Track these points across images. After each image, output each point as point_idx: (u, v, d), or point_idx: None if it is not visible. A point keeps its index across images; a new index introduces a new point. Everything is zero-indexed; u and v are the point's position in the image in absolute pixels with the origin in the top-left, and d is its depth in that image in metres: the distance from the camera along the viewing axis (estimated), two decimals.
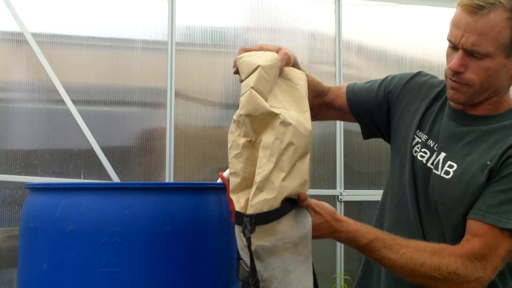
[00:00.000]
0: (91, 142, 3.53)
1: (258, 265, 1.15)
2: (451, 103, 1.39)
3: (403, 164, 1.43)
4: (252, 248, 1.13)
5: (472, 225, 1.24)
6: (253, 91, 1.16)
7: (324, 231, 1.23)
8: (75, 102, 3.53)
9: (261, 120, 1.16)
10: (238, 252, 1.40)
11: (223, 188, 1.44)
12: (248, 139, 1.17)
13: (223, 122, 3.84)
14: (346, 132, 3.98)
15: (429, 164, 1.36)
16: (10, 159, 3.47)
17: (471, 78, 1.27)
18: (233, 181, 1.16)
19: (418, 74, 1.52)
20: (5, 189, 3.43)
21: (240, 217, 1.13)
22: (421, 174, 1.37)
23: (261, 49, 1.27)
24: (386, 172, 3.07)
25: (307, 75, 1.32)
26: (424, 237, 1.34)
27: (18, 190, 3.43)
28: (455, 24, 1.27)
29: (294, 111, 1.20)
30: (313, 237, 1.19)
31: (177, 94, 3.74)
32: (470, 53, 1.25)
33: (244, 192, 1.16)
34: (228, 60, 3.89)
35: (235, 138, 1.18)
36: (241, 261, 1.42)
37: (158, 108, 3.74)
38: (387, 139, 1.55)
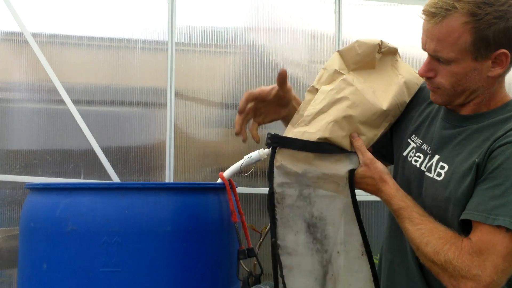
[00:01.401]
0: (91, 142, 3.53)
1: (278, 180, 1.30)
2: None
3: (396, 172, 1.47)
4: (276, 164, 1.30)
5: (467, 224, 1.23)
6: (337, 53, 1.40)
7: (368, 186, 1.34)
8: (75, 102, 3.53)
9: (331, 76, 1.38)
10: (238, 252, 1.40)
11: (223, 188, 1.44)
12: (313, 85, 1.39)
13: (223, 122, 3.84)
14: None
15: (423, 168, 1.36)
16: (10, 159, 3.47)
17: (441, 82, 1.29)
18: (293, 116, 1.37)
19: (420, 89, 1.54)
20: (5, 189, 3.43)
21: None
22: (415, 179, 1.37)
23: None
24: None
25: None
26: None
27: (18, 190, 3.43)
28: (422, 29, 1.29)
29: (373, 88, 1.37)
30: (357, 187, 1.32)
31: (177, 94, 3.74)
32: (436, 59, 1.27)
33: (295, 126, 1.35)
34: (228, 60, 3.89)
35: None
36: (241, 261, 1.42)
37: (158, 108, 3.74)
38: None
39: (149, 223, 1.26)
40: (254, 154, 1.47)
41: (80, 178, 3.55)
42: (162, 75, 3.72)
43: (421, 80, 1.47)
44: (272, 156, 1.30)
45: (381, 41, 1.42)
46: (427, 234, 1.23)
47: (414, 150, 1.41)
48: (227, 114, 3.85)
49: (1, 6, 3.45)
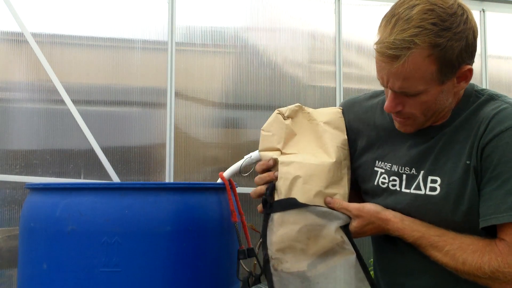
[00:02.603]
0: (91, 142, 3.53)
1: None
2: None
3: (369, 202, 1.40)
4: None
5: (499, 229, 1.20)
6: (260, 153, 1.37)
7: (373, 231, 1.28)
8: (75, 102, 3.53)
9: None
10: (238, 252, 1.40)
11: (223, 188, 1.44)
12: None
13: (223, 122, 3.85)
14: None
15: (404, 189, 1.31)
16: (10, 159, 3.47)
17: (411, 112, 1.26)
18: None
19: (343, 106, 1.49)
20: (5, 189, 3.43)
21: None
22: (398, 202, 1.32)
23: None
24: None
25: None
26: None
27: (18, 190, 3.43)
28: (377, 67, 1.25)
29: (309, 151, 1.33)
30: (362, 236, 1.27)
31: (177, 94, 3.74)
32: (403, 93, 1.23)
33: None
34: (228, 60, 3.89)
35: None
36: (241, 261, 1.42)
37: (158, 108, 3.74)
38: None
39: (149, 223, 1.26)
40: (254, 154, 1.47)
41: (80, 178, 3.55)
42: (162, 75, 3.72)
43: (337, 109, 1.44)
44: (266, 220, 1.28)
45: (278, 110, 1.38)
46: (459, 253, 1.20)
47: (385, 176, 1.35)
48: (227, 114, 3.85)
49: (1, 6, 3.46)
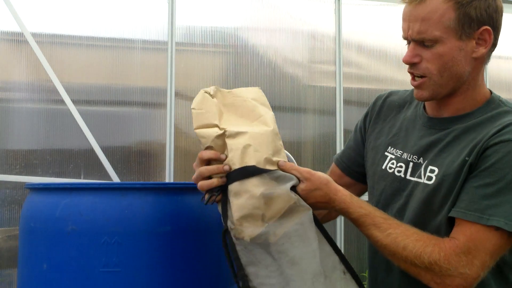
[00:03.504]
0: (91, 142, 3.53)
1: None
2: (425, 109, 1.37)
3: (373, 187, 1.42)
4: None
5: (456, 223, 1.21)
6: (196, 131, 1.29)
7: (318, 200, 1.23)
8: (75, 102, 3.53)
9: (217, 144, 1.26)
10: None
11: None
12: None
13: None
14: (346, 132, 3.98)
15: (408, 177, 1.33)
16: (10, 159, 3.47)
17: (427, 68, 1.26)
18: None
19: (377, 99, 1.51)
20: (5, 189, 3.43)
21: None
22: (400, 188, 1.34)
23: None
24: None
25: None
26: None
27: (18, 190, 3.43)
28: (402, 19, 1.29)
29: (246, 123, 1.29)
30: (310, 205, 1.21)
31: (177, 94, 3.74)
32: (421, 43, 1.25)
33: None
34: (228, 60, 3.89)
35: None
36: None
37: (158, 108, 3.74)
38: None
39: (149, 223, 1.26)
40: None
41: (80, 178, 3.55)
42: (162, 75, 3.72)
43: (257, 88, 1.39)
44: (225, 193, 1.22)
45: (204, 90, 1.34)
46: (401, 238, 1.20)
47: (394, 161, 1.37)
48: None
49: (1, 6, 3.46)
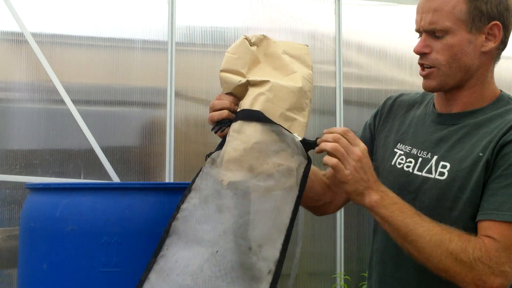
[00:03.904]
0: (91, 142, 3.53)
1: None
2: (434, 107, 1.39)
3: (382, 182, 1.39)
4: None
5: (487, 225, 1.20)
6: (221, 73, 1.32)
7: (353, 189, 1.19)
8: (75, 102, 3.53)
9: (239, 91, 1.29)
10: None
11: None
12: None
13: None
14: None
15: (416, 172, 1.34)
16: (10, 159, 3.47)
17: (436, 58, 1.29)
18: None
19: (388, 99, 1.53)
20: (5, 189, 3.43)
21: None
22: (409, 184, 1.35)
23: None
24: None
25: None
26: None
27: (18, 190, 3.43)
28: (416, 12, 1.32)
29: (278, 76, 1.29)
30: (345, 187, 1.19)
31: (177, 94, 3.74)
32: (432, 34, 1.29)
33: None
34: None
35: None
36: None
37: (158, 108, 3.74)
38: None
39: (149, 223, 1.26)
40: None
41: (80, 178, 3.55)
42: (162, 75, 3.72)
43: (304, 45, 1.38)
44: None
45: (245, 36, 1.33)
46: (446, 232, 1.18)
47: (403, 157, 1.38)
48: None
49: (1, 6, 3.45)
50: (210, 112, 1.28)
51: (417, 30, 1.33)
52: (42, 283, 1.28)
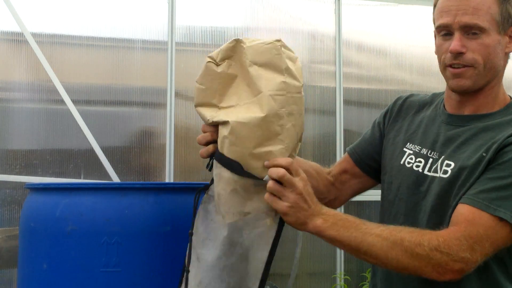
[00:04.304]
0: (91, 142, 3.53)
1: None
2: (445, 106, 1.41)
3: (390, 181, 1.42)
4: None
5: (460, 209, 1.22)
6: (196, 108, 1.23)
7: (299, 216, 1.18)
8: (75, 102, 3.53)
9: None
10: None
11: None
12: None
13: None
14: (346, 132, 3.98)
15: (426, 172, 1.35)
16: (10, 159, 3.47)
17: (473, 58, 1.29)
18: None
19: (398, 99, 1.54)
20: (5, 189, 3.43)
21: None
22: (417, 183, 1.36)
23: None
24: None
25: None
26: None
27: (18, 190, 3.43)
28: (445, 10, 1.31)
29: (248, 98, 1.19)
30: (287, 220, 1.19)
31: (177, 94, 3.74)
32: (466, 32, 1.29)
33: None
34: None
35: None
36: None
37: (158, 108, 3.74)
38: None
39: (149, 223, 1.26)
40: None
41: (80, 178, 3.55)
42: (162, 75, 3.72)
43: (274, 44, 1.25)
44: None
45: (208, 55, 1.21)
46: (395, 233, 1.19)
47: (413, 156, 1.39)
48: None
49: (1, 6, 3.46)
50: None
51: (448, 30, 1.30)
52: (42, 283, 1.28)
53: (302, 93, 1.20)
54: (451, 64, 1.31)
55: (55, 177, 3.49)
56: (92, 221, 1.25)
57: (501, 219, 1.18)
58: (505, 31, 1.30)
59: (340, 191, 1.52)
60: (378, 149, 1.51)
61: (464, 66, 1.30)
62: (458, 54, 1.29)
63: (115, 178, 3.55)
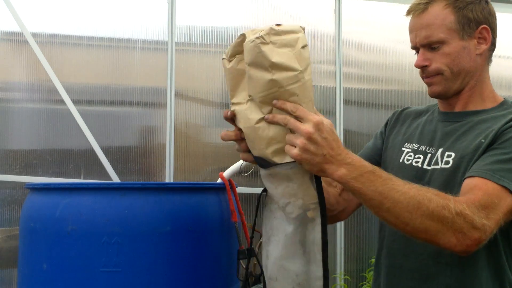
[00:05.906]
0: (91, 142, 3.53)
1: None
2: (439, 106, 1.50)
3: None
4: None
5: (468, 182, 1.24)
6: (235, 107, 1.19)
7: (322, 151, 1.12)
8: (75, 102, 3.53)
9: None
10: (238, 252, 1.40)
11: (223, 188, 1.44)
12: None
13: (223, 122, 3.83)
14: (346, 132, 3.98)
15: (425, 166, 1.40)
16: (10, 159, 3.47)
17: (437, 67, 1.39)
18: None
19: (396, 111, 1.64)
20: (5, 189, 3.43)
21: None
22: (417, 177, 1.39)
23: None
24: None
25: None
26: None
27: (18, 190, 3.43)
28: (409, 31, 1.44)
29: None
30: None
31: (177, 94, 3.74)
32: (428, 47, 1.39)
33: None
34: None
35: None
36: (241, 261, 1.42)
37: (158, 108, 3.74)
38: None
39: (149, 223, 1.26)
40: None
41: (80, 178, 3.55)
42: (162, 75, 3.72)
43: (255, 42, 1.09)
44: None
45: (225, 52, 1.18)
46: (423, 192, 1.16)
47: (411, 154, 1.46)
48: None
49: (1, 6, 3.45)
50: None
51: (414, 47, 1.44)
52: (42, 283, 1.28)
53: (303, 79, 1.09)
54: (423, 77, 1.44)
55: (55, 177, 3.49)
56: (92, 221, 1.25)
57: (504, 188, 1.22)
58: (469, 35, 1.39)
59: (348, 202, 1.52)
60: (378, 156, 1.58)
61: (434, 74, 1.41)
62: (423, 68, 1.41)
63: (115, 178, 3.54)
